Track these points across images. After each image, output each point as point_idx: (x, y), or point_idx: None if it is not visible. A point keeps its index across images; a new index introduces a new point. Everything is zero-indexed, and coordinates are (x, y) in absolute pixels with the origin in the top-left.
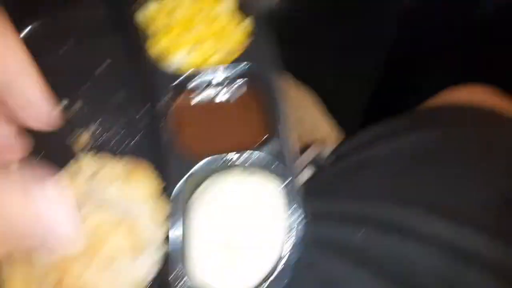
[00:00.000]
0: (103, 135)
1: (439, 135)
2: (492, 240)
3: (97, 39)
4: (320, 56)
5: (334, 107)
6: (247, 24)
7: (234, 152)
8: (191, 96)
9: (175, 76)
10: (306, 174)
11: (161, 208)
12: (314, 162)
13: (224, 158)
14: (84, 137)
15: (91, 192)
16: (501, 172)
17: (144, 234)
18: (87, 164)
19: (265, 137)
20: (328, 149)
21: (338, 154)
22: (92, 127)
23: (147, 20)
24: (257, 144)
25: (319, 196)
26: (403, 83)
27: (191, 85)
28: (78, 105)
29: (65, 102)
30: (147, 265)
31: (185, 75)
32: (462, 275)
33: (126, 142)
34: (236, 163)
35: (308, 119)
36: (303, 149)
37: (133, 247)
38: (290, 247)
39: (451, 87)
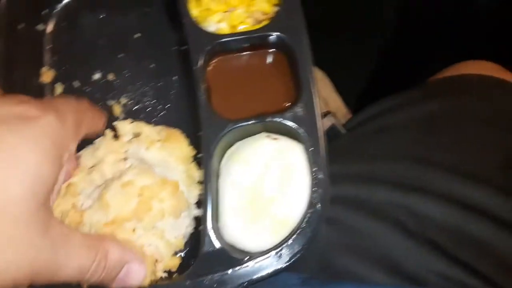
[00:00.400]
0: (136, 105)
1: (453, 103)
2: (503, 197)
3: (127, 11)
4: (324, 38)
5: (337, 86)
6: None
7: (262, 117)
8: (221, 62)
9: (208, 40)
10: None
11: (195, 171)
12: (331, 129)
13: (252, 123)
14: (117, 108)
15: (132, 155)
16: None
17: (183, 195)
18: (124, 130)
19: (291, 103)
20: (341, 120)
21: (354, 122)
22: (125, 98)
23: None
24: (283, 110)
25: (338, 159)
26: (405, 64)
27: (222, 50)
28: (110, 76)
29: (98, 74)
30: (185, 225)
31: (216, 40)
32: (471, 229)
33: (158, 111)
34: (264, 127)
35: (323, 89)
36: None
37: (176, 207)
38: (314, 205)
39: (456, 63)
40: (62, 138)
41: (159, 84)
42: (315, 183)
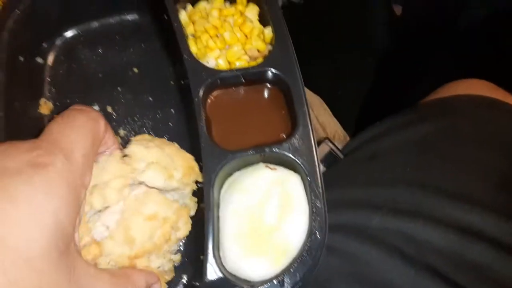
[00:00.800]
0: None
1: (445, 125)
2: (499, 219)
3: (125, 47)
4: (317, 60)
5: (333, 109)
6: (270, 30)
7: (261, 148)
8: (220, 96)
9: (208, 75)
10: (322, 166)
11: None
12: (329, 155)
13: (251, 153)
14: (117, 139)
15: (142, 181)
16: (504, 155)
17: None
18: (136, 155)
19: (288, 134)
20: (338, 145)
21: (351, 147)
22: (123, 130)
23: (182, 25)
24: (281, 141)
25: (336, 185)
26: (398, 85)
27: (221, 85)
28: (109, 109)
29: (96, 107)
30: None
31: (216, 75)
32: (470, 253)
33: None
34: (262, 157)
35: (320, 115)
36: (318, 144)
37: (187, 232)
38: (314, 234)
39: (447, 82)
40: (76, 177)
41: (157, 117)
42: (314, 211)
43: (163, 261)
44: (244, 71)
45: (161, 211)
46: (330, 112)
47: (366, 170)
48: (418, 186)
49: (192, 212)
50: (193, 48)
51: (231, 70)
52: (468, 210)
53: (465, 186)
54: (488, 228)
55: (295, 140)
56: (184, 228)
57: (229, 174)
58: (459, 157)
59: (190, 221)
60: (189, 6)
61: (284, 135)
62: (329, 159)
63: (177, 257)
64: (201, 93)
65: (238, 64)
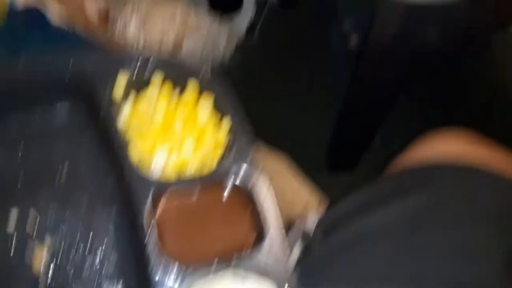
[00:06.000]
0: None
1: (426, 202)
2: None
3: (52, 143)
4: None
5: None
6: (226, 124)
7: (224, 258)
8: (171, 204)
9: (154, 182)
10: (296, 254)
11: None
12: (303, 239)
13: (214, 266)
14: (41, 251)
15: None
16: (497, 235)
17: None
18: None
19: (256, 237)
20: (312, 218)
21: (325, 227)
22: (50, 240)
23: (123, 126)
24: (246, 246)
25: (312, 280)
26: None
27: (173, 190)
28: (32, 214)
29: (15, 211)
30: None
31: (162, 188)
32: None
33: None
34: (227, 268)
35: (288, 189)
36: (288, 227)
37: None
38: None
39: (424, 134)
40: None
41: (93, 223)
42: None
43: None
44: (200, 179)
45: None
46: (298, 176)
47: (350, 261)
48: (412, 280)
49: None
50: (139, 147)
51: (184, 181)
52: None
53: (467, 274)
54: None
55: (266, 244)
56: None
57: None
58: (451, 240)
59: None
60: (132, 95)
61: (250, 239)
62: (302, 245)
63: None
64: (146, 209)
65: (192, 161)
